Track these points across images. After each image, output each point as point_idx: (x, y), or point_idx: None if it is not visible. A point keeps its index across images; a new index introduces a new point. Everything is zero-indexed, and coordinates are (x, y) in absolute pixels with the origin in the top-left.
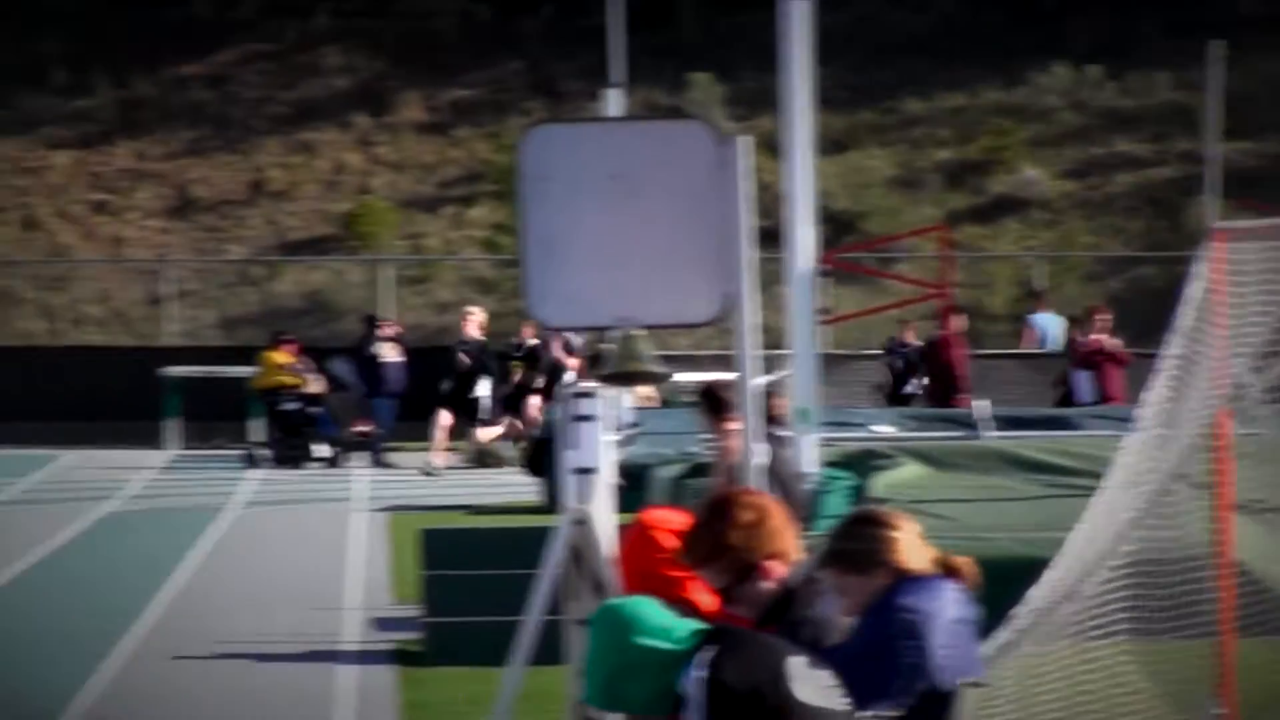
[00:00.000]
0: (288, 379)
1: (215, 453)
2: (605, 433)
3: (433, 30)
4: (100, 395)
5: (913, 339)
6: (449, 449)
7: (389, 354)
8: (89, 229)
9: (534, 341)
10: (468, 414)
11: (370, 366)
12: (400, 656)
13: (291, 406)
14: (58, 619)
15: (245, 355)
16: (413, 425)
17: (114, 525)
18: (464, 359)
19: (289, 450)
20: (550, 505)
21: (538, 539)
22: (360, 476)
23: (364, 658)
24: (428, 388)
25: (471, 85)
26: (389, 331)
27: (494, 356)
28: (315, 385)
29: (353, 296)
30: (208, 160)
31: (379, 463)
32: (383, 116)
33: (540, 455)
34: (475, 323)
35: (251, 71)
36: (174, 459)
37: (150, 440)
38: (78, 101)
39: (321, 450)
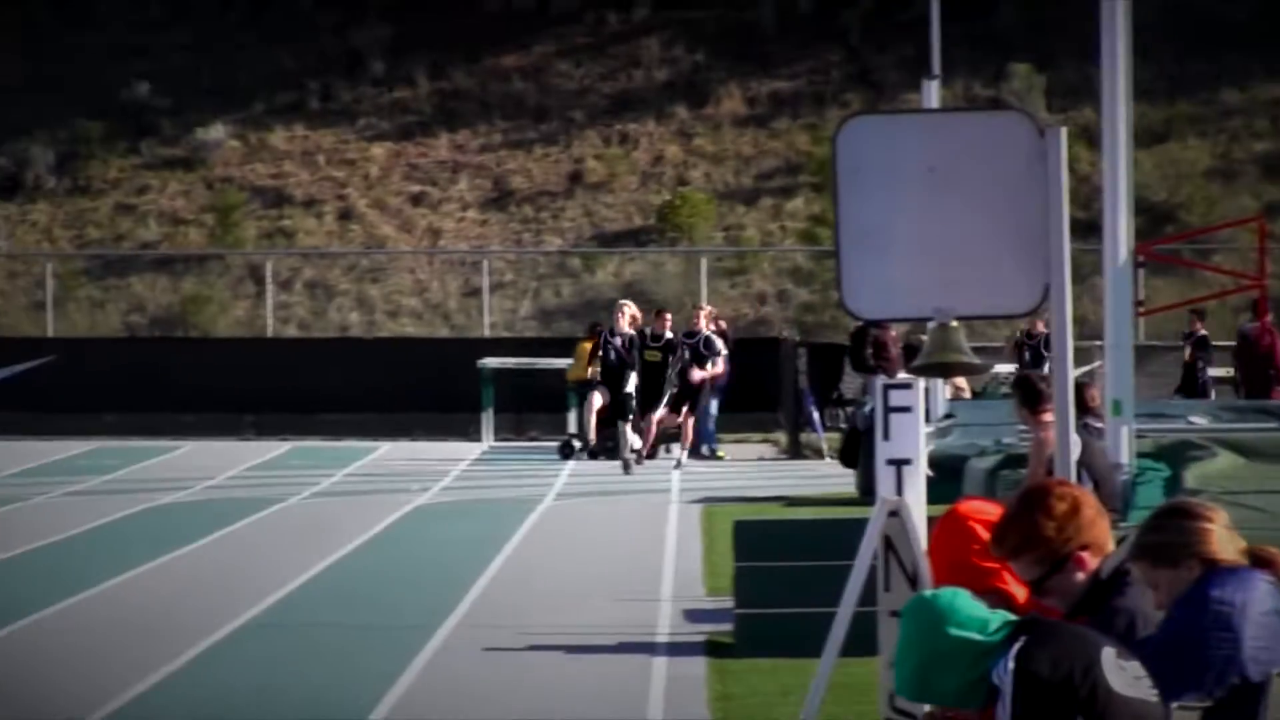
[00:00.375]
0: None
1: (529, 444)
2: (920, 424)
3: (752, 22)
4: (416, 387)
5: (1201, 329)
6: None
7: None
8: (406, 221)
9: (669, 334)
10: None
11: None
12: (711, 648)
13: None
14: (371, 610)
15: (561, 347)
16: (731, 417)
17: (427, 516)
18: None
19: (603, 441)
20: (864, 497)
21: (851, 530)
22: (673, 468)
23: (675, 649)
24: (749, 379)
25: (790, 77)
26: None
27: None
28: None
29: (669, 288)
30: (526, 152)
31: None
32: (702, 108)
33: (854, 446)
34: (628, 317)
35: (570, 63)
36: (488, 450)
37: (466, 431)
38: (396, 93)
39: (635, 441)
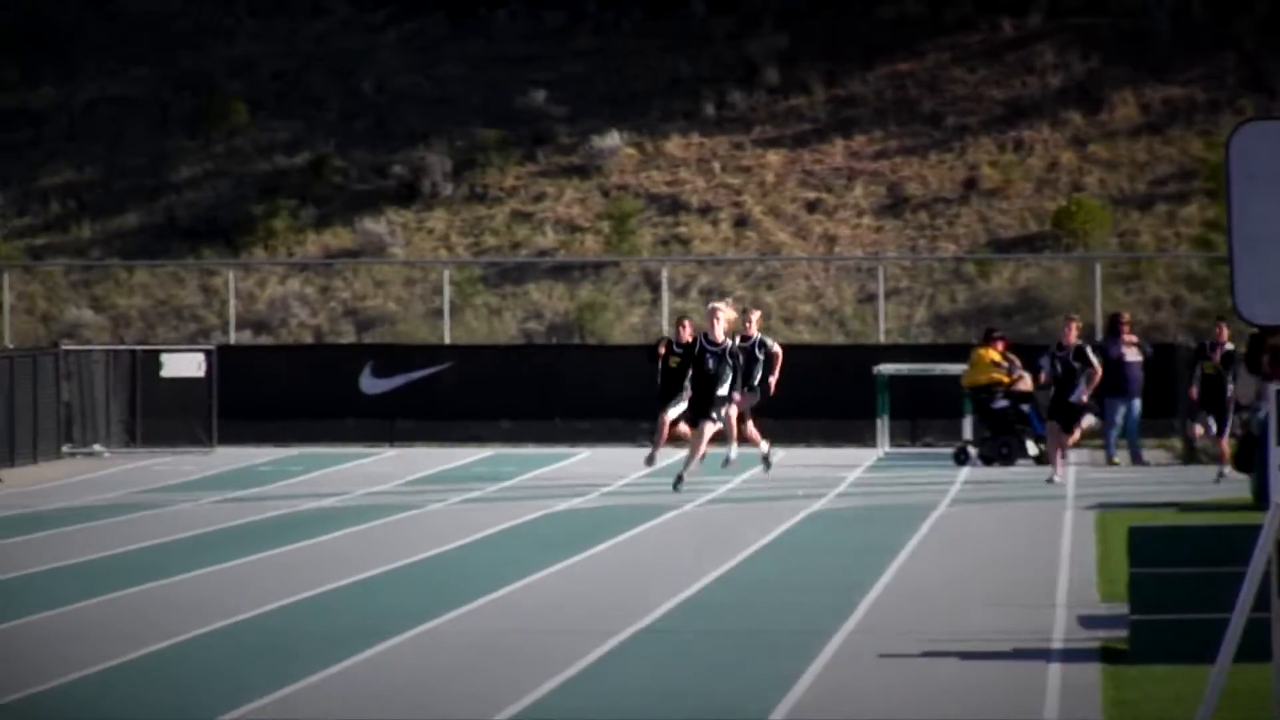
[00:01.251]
0: (999, 376)
1: (924, 450)
2: None
3: (1146, 28)
4: (812, 393)
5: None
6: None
7: (1131, 354)
8: (802, 227)
9: (690, 339)
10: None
11: (1113, 367)
12: (1106, 654)
13: (1002, 404)
14: (766, 617)
15: (956, 353)
16: (1149, 423)
17: (822, 523)
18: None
19: (998, 448)
20: (1259, 502)
21: (1246, 536)
22: (1069, 474)
23: (1070, 655)
24: (1164, 386)
25: (1185, 83)
26: (1131, 335)
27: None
28: (1025, 383)
29: (1063, 294)
30: (920, 158)
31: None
32: (1096, 114)
33: (1249, 452)
34: (724, 321)
35: (964, 69)
36: (883, 457)
37: (861, 438)
38: (790, 100)
39: (1030, 448)
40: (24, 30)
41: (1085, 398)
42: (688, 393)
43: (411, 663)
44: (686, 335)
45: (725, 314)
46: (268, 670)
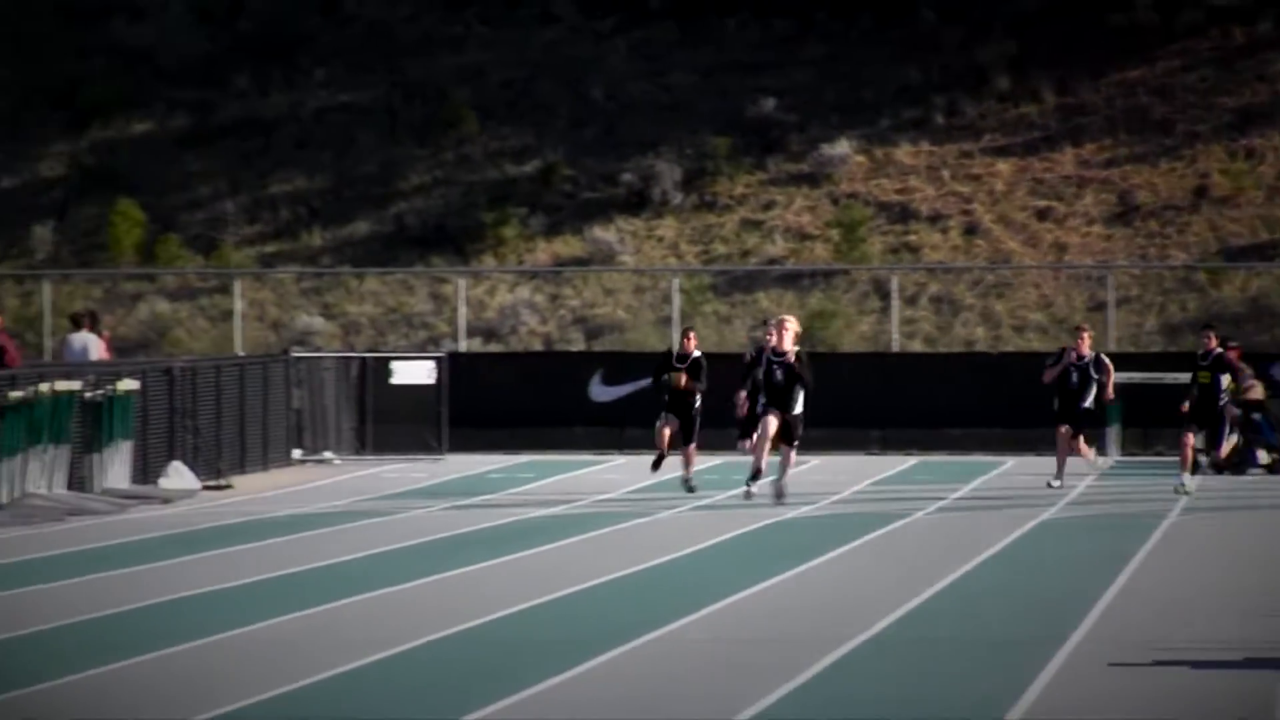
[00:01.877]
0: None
1: (1156, 459)
2: None
3: None
4: (1043, 402)
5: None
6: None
7: None
8: (1031, 236)
9: (697, 352)
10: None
11: None
12: None
13: (1234, 413)
14: (997, 625)
15: (1187, 361)
16: None
17: (1052, 532)
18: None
19: (1230, 457)
20: None
21: None
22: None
23: None
24: None
25: None
26: None
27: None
28: (1256, 391)
29: None
30: (1150, 166)
31: None
32: None
33: None
34: (791, 332)
35: (1195, 77)
36: (1114, 465)
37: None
38: (1021, 108)
39: (1262, 457)
40: (254, 39)
41: None
42: (691, 407)
43: (643, 670)
44: (691, 347)
45: (793, 326)
46: (497, 677)
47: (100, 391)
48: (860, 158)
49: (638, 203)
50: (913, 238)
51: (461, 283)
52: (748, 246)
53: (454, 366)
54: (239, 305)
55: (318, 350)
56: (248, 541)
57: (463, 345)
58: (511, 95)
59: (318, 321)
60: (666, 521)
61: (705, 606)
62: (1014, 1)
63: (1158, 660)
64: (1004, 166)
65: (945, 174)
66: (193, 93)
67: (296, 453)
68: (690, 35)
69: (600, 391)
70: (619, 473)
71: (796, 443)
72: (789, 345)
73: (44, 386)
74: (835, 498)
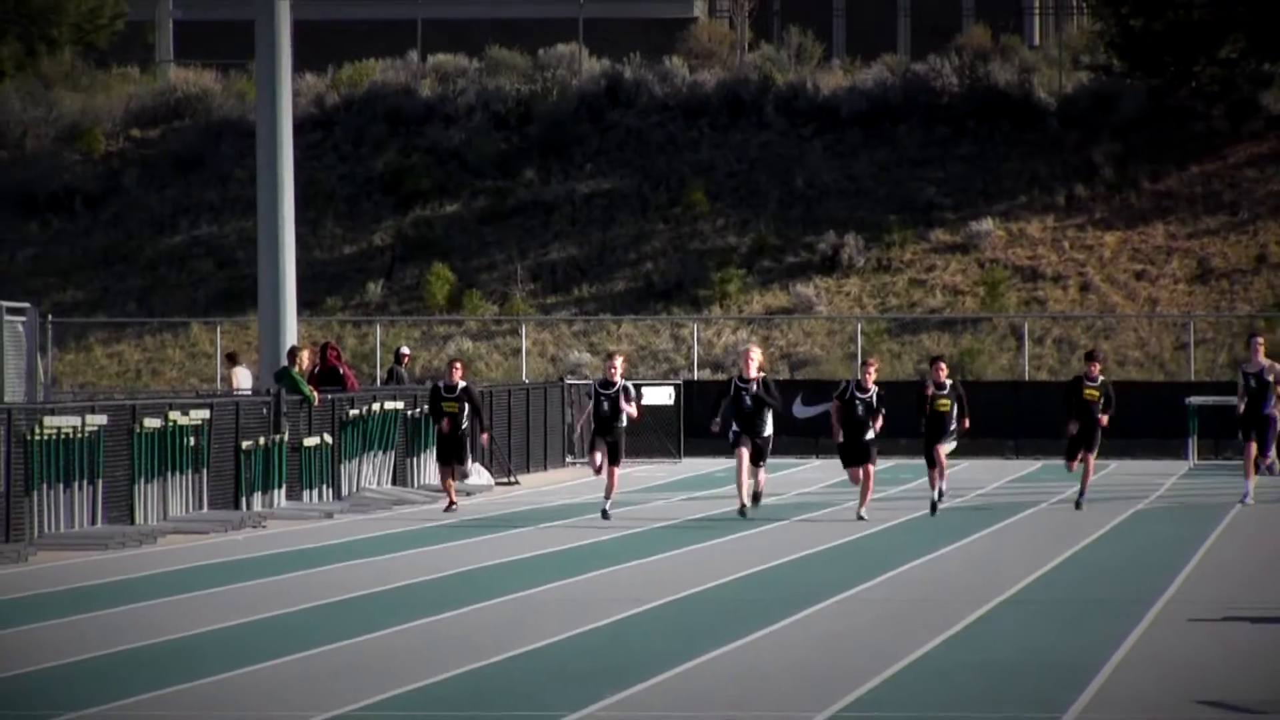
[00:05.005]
0: None
1: (1224, 463)
2: None
3: None
4: (1137, 419)
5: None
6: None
7: None
8: (1130, 292)
9: (463, 383)
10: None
11: None
12: None
13: None
14: (1101, 589)
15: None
16: None
17: (1144, 519)
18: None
19: None
20: None
21: None
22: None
23: None
24: None
25: None
26: None
27: (773, 392)
28: None
29: None
30: (1223, 238)
31: None
32: None
33: None
34: (756, 360)
35: (1257, 169)
36: (1192, 468)
37: (1175, 454)
38: (1122, 193)
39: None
40: (539, 141)
41: None
42: (612, 426)
43: (829, 624)
44: (615, 373)
45: (757, 355)
46: (722, 628)
47: (418, 410)
48: (1000, 231)
49: (830, 265)
50: (1040, 293)
51: (695, 326)
52: (914, 299)
53: (688, 391)
54: (525, 344)
55: (585, 378)
56: (527, 525)
57: (695, 375)
58: (734, 183)
59: (585, 356)
60: (850, 511)
61: (879, 575)
62: (1118, 112)
63: (1227, 617)
64: (1110, 238)
65: (1065, 244)
66: (490, 182)
67: (568, 458)
68: (871, 137)
69: (801, 410)
70: (815, 473)
71: (763, 464)
72: (754, 373)
73: (375, 406)
74: (979, 492)
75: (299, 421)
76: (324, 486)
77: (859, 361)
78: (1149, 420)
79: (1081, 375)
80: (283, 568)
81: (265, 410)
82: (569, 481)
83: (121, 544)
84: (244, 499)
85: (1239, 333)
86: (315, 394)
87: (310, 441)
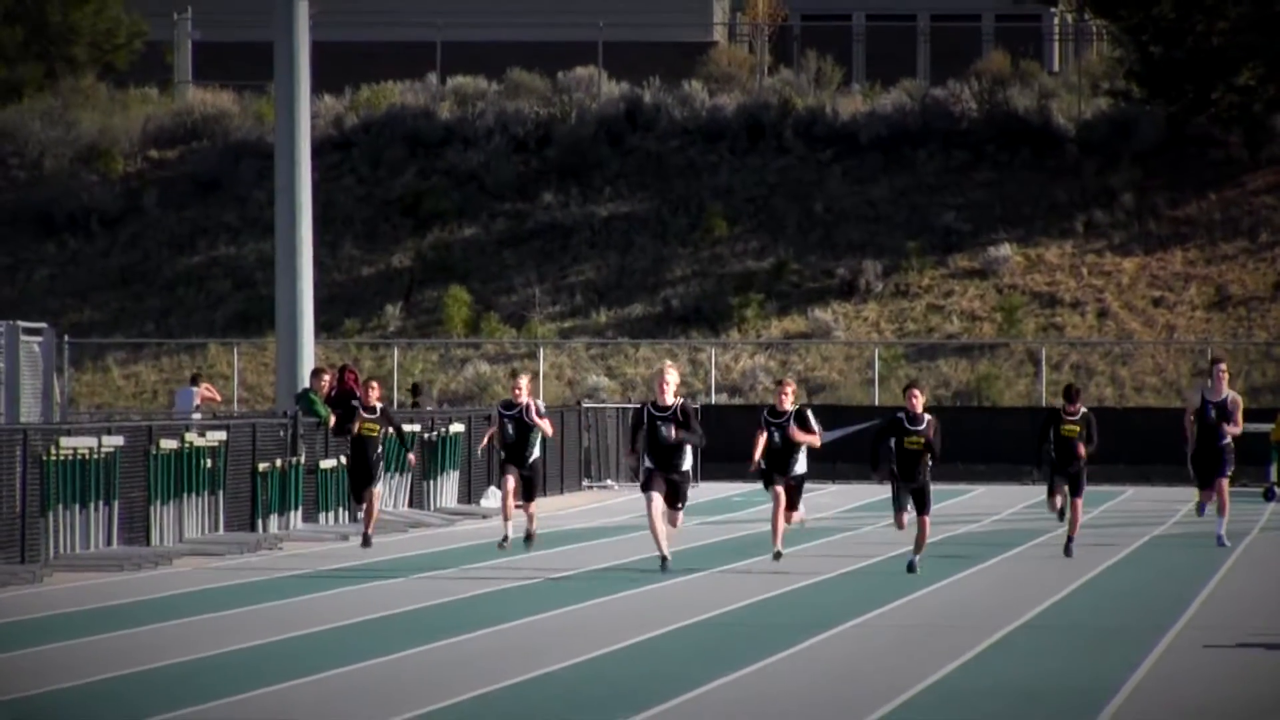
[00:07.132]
0: None
1: (1240, 490)
2: None
3: None
4: (1155, 444)
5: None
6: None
7: None
8: (1148, 318)
9: (380, 404)
10: None
11: None
12: None
13: None
14: (1115, 616)
15: (1266, 415)
16: None
17: (1158, 546)
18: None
19: None
20: None
21: None
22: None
23: None
24: None
25: None
26: None
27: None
28: None
29: None
30: (1240, 265)
31: None
32: None
33: None
34: (673, 385)
35: (1274, 196)
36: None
37: (1190, 480)
38: (1141, 220)
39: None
40: (557, 164)
41: None
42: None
43: (845, 649)
44: (521, 394)
45: (673, 377)
46: (737, 653)
47: (435, 433)
48: (1018, 257)
49: (848, 290)
50: (1058, 319)
51: (713, 351)
52: (932, 325)
53: (706, 415)
54: (543, 367)
55: (602, 402)
56: (544, 549)
57: (713, 399)
58: (753, 208)
59: (603, 380)
60: (867, 534)
61: (895, 600)
62: (1137, 138)
63: (1242, 643)
64: (1128, 265)
65: (1084, 270)
66: (509, 205)
67: (585, 481)
68: (890, 163)
69: (826, 435)
70: (833, 497)
71: (681, 506)
72: (671, 399)
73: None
74: (996, 517)
75: (315, 444)
76: (340, 509)
77: (878, 388)
78: (1165, 447)
79: (1059, 409)
80: (297, 590)
81: (282, 432)
82: (584, 505)
83: (137, 565)
84: (260, 521)
85: (1256, 360)
86: (332, 416)
87: (327, 464)
